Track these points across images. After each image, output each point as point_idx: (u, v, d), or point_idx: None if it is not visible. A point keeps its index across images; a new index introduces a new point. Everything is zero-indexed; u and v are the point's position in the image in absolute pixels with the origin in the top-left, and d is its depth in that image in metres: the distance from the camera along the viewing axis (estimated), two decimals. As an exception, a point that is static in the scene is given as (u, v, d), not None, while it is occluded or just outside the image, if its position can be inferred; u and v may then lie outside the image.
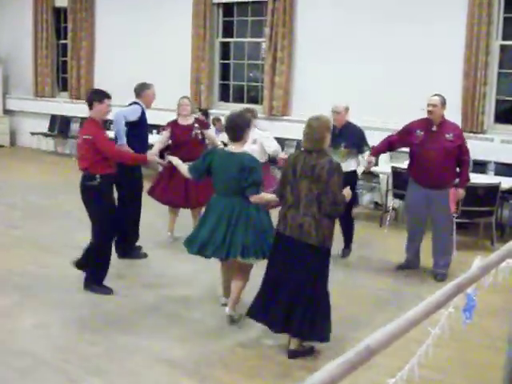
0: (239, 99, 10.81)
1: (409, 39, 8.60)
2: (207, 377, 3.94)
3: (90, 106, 5.19)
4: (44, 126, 13.23)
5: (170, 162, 5.50)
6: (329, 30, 9.31)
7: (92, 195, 5.22)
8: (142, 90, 6.23)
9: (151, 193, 6.77)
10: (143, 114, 6.15)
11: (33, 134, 13.28)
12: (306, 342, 4.27)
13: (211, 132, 6.75)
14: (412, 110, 8.65)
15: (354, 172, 6.43)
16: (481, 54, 8.02)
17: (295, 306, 4.11)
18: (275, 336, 4.42)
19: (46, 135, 13.23)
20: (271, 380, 3.93)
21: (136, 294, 5.32)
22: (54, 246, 6.63)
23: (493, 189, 6.81)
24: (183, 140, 6.54)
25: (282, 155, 6.25)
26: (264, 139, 6.37)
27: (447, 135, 5.67)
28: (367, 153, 6.25)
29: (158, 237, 6.87)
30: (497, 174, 7.61)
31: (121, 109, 6.16)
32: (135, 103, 6.21)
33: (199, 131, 6.62)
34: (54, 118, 13.20)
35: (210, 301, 5.18)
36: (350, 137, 6.27)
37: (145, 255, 6.26)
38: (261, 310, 4.27)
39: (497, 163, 7.86)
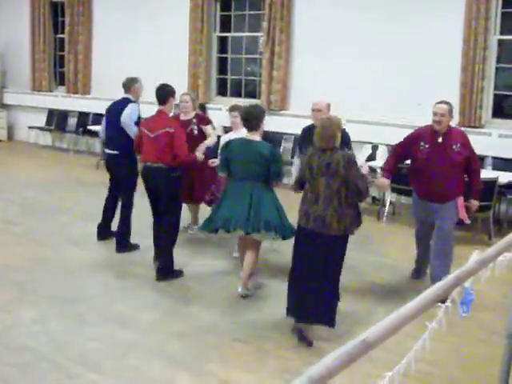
0: (237, 93, 10.80)
1: (407, 34, 8.59)
2: (205, 372, 3.95)
3: (164, 101, 5.59)
4: (41, 120, 13.20)
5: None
6: (327, 24, 9.30)
7: (175, 185, 5.58)
8: (131, 84, 6.40)
9: None
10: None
11: (30, 128, 13.26)
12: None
13: (210, 128, 6.64)
14: (410, 105, 8.69)
15: None
16: (479, 48, 8.02)
17: (322, 296, 4.28)
18: (272, 329, 4.42)
19: (43, 129, 13.21)
20: (269, 375, 3.94)
21: (134, 289, 5.33)
22: (52, 241, 6.63)
23: (490, 183, 6.82)
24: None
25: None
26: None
27: (454, 146, 5.13)
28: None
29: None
30: (494, 168, 7.62)
31: (124, 114, 6.23)
32: (126, 99, 6.38)
33: (195, 126, 6.53)
34: (51, 113, 13.17)
35: (208, 296, 5.19)
36: None
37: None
38: (297, 309, 4.40)
39: (494, 158, 7.87)
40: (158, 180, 5.49)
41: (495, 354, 3.07)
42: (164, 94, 5.61)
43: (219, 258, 6.19)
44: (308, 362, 3.96)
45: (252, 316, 4.81)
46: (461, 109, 8.22)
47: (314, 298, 4.28)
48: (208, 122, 6.74)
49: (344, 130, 5.76)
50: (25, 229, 7.05)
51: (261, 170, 4.96)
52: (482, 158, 7.94)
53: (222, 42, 10.99)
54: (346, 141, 5.58)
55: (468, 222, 5.37)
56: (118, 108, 6.30)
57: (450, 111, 5.17)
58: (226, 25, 10.88)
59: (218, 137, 6.71)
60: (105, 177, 6.68)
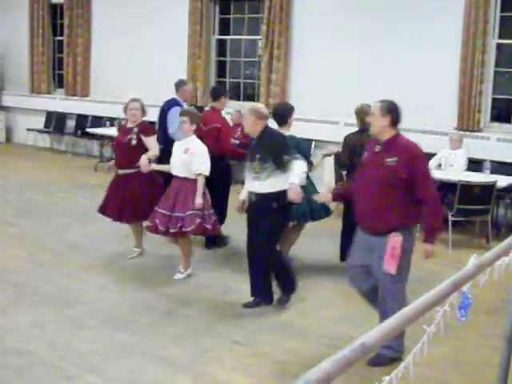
0: (235, 96, 10.80)
1: (406, 38, 8.60)
2: (203, 374, 3.94)
3: (217, 98, 6.56)
4: (40, 122, 13.19)
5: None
6: (325, 27, 9.30)
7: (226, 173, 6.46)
8: (179, 85, 7.13)
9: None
10: None
11: (29, 130, 13.25)
12: None
13: (152, 140, 6.01)
14: (408, 108, 8.68)
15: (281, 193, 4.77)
16: (477, 52, 8.03)
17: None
18: (270, 332, 4.42)
19: (41, 132, 13.20)
20: (267, 377, 3.93)
21: (132, 291, 5.32)
22: (50, 243, 6.62)
23: (489, 187, 6.82)
24: (118, 143, 6.09)
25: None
26: (197, 156, 5.49)
27: (388, 159, 3.90)
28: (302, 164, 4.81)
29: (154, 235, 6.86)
30: (493, 172, 7.62)
31: (169, 124, 6.77)
32: (173, 99, 7.00)
33: (135, 136, 5.87)
34: (49, 115, 13.16)
35: (206, 298, 5.19)
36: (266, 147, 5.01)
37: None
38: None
39: (493, 161, 7.87)
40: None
41: (493, 357, 3.07)
42: (216, 92, 6.67)
43: (217, 262, 6.18)
44: (306, 366, 3.96)
45: (250, 319, 4.80)
46: (459, 112, 8.24)
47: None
48: (152, 132, 6.20)
49: (275, 131, 5.21)
50: (22, 231, 7.04)
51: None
52: (480, 162, 7.97)
53: (221, 44, 11.00)
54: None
55: (392, 272, 3.87)
56: (164, 108, 6.93)
57: (386, 110, 4.00)
58: (225, 28, 10.89)
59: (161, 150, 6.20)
60: (103, 179, 6.67)
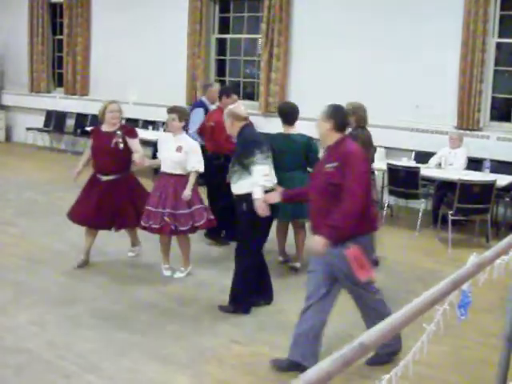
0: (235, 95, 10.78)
1: (406, 37, 8.60)
2: (202, 373, 3.94)
3: (219, 98, 6.65)
4: (40, 121, 13.19)
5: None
6: (325, 26, 9.30)
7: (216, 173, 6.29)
8: (206, 87, 7.53)
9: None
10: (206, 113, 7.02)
11: (28, 129, 13.25)
12: None
13: (137, 142, 5.78)
14: (408, 107, 8.70)
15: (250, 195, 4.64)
16: (477, 51, 8.02)
17: None
18: (270, 331, 4.41)
19: (41, 131, 13.20)
20: (266, 377, 3.93)
21: (131, 290, 5.31)
22: (49, 242, 6.61)
23: (488, 186, 6.82)
24: (101, 149, 5.69)
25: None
26: (192, 154, 5.42)
27: (328, 165, 3.79)
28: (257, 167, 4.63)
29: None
30: (492, 171, 7.62)
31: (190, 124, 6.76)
32: (200, 101, 7.36)
33: (121, 139, 5.61)
34: (49, 114, 13.16)
35: (205, 297, 5.18)
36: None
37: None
38: None
39: (492, 161, 7.88)
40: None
41: (493, 356, 3.06)
42: (219, 92, 6.80)
43: (216, 261, 6.18)
44: (305, 365, 3.95)
45: (249, 318, 4.80)
46: (459, 112, 8.24)
47: None
48: (136, 134, 5.89)
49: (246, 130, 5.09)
50: (22, 230, 7.04)
51: (302, 160, 5.60)
52: (479, 161, 7.98)
53: (221, 43, 10.99)
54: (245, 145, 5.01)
55: (363, 280, 3.65)
56: (191, 109, 7.10)
57: (328, 114, 3.88)
58: (224, 27, 10.89)
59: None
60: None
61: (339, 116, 3.90)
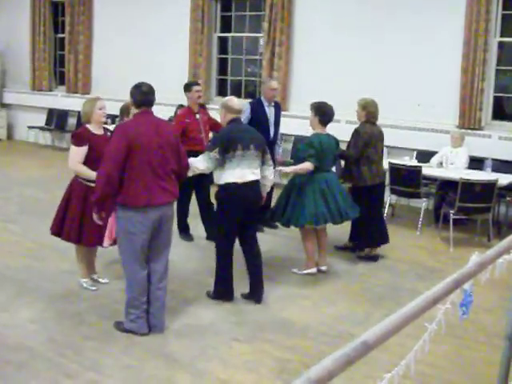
0: (237, 94, 10.77)
1: (408, 36, 8.59)
2: (203, 371, 3.94)
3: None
4: (41, 119, 13.19)
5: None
6: (327, 25, 9.30)
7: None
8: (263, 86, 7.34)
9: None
10: (252, 110, 7.09)
11: (30, 127, 13.25)
12: None
13: None
14: (410, 105, 8.69)
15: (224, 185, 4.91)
16: (479, 50, 8.01)
17: None
18: (271, 329, 4.42)
19: (43, 129, 13.20)
20: (267, 375, 3.93)
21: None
22: (50, 239, 6.60)
23: (490, 185, 6.81)
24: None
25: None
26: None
27: None
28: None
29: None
30: (494, 170, 7.61)
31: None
32: (258, 99, 7.31)
33: None
34: (51, 112, 13.16)
35: (206, 296, 5.18)
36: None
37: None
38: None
39: (494, 160, 7.87)
40: None
41: (494, 356, 3.06)
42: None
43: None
44: (306, 364, 3.96)
45: (251, 316, 4.80)
46: (461, 111, 8.23)
47: None
48: None
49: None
50: (23, 227, 7.04)
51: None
52: (481, 160, 7.97)
53: (223, 42, 10.99)
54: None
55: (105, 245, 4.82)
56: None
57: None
58: (226, 25, 10.88)
59: None
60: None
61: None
